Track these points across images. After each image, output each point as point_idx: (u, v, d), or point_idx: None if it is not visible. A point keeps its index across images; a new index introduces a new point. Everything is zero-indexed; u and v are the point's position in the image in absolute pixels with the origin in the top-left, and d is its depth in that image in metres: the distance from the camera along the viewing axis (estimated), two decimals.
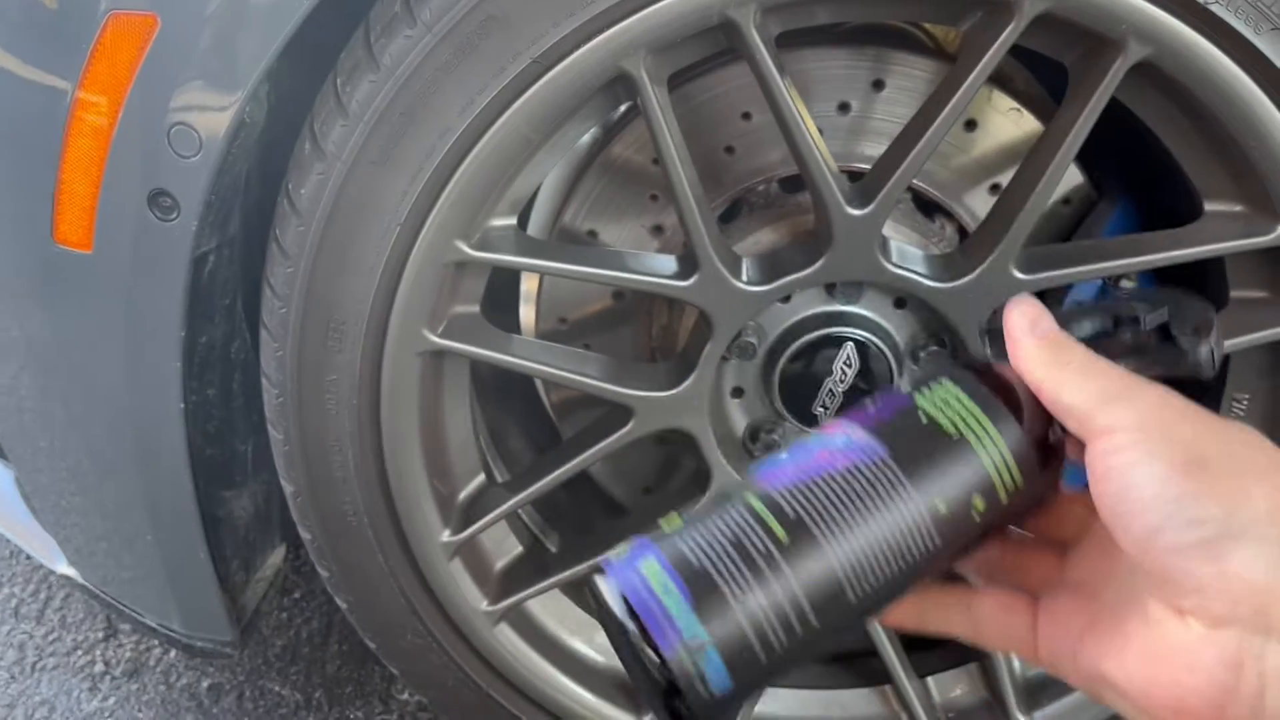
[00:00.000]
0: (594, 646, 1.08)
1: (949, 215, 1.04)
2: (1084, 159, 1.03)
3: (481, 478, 1.02)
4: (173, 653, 1.32)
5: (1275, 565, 0.38)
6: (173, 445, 0.96)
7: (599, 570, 0.45)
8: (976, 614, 0.51)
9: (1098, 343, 0.49)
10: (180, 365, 0.91)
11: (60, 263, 0.88)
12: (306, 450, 0.92)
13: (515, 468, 1.14)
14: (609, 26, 0.77)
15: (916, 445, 0.46)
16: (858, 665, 1.14)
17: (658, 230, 1.07)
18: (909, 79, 0.99)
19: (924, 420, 0.47)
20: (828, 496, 0.45)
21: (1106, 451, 0.42)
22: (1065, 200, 1.05)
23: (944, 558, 0.47)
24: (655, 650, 0.41)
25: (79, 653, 1.32)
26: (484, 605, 1.00)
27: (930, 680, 1.11)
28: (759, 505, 0.45)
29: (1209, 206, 0.88)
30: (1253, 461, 0.41)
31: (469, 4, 0.76)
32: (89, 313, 0.91)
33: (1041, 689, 1.07)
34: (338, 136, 0.80)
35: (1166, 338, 0.50)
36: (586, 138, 1.05)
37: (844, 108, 1.01)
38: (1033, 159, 0.88)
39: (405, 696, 1.28)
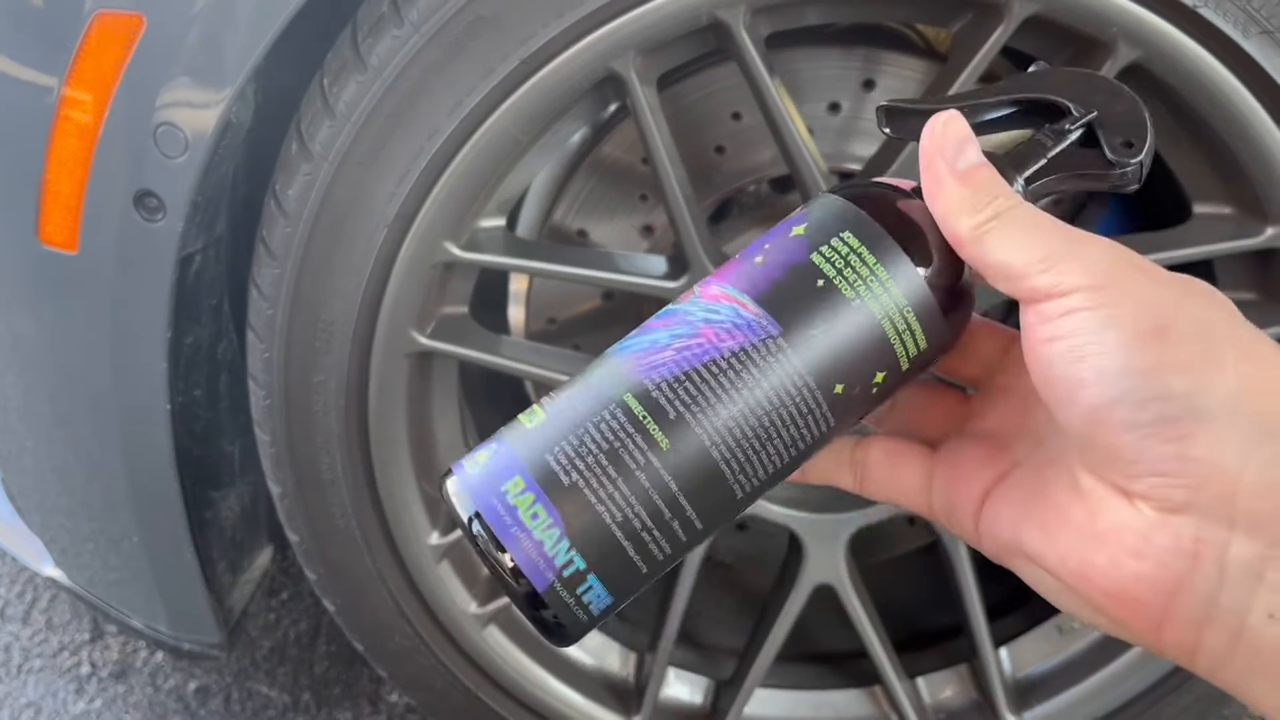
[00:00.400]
0: (583, 648, 1.08)
1: None
2: None
3: None
4: (159, 654, 1.31)
5: (1245, 448, 0.33)
6: (159, 445, 0.96)
7: (450, 474, 0.40)
8: (861, 463, 0.46)
9: (1016, 149, 0.42)
10: (167, 366, 0.90)
11: (46, 263, 0.88)
12: (294, 452, 0.92)
13: None
14: (598, 27, 0.76)
15: (813, 320, 0.40)
16: (848, 666, 1.14)
17: (648, 230, 1.07)
18: (900, 79, 0.99)
19: (820, 285, 0.40)
20: (714, 390, 0.39)
21: (1052, 315, 0.36)
22: (1056, 201, 1.05)
23: (835, 433, 0.42)
24: (523, 578, 0.38)
25: (65, 654, 1.31)
26: (473, 607, 1.00)
27: (920, 681, 1.11)
28: (637, 407, 0.38)
29: (1198, 209, 0.88)
30: (1220, 326, 0.35)
31: (457, 5, 0.76)
32: (75, 313, 0.91)
33: (1031, 690, 1.07)
34: (325, 137, 0.80)
35: (1091, 142, 0.42)
36: (576, 137, 1.05)
37: (834, 108, 1.01)
38: None
39: (394, 698, 1.28)
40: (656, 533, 0.39)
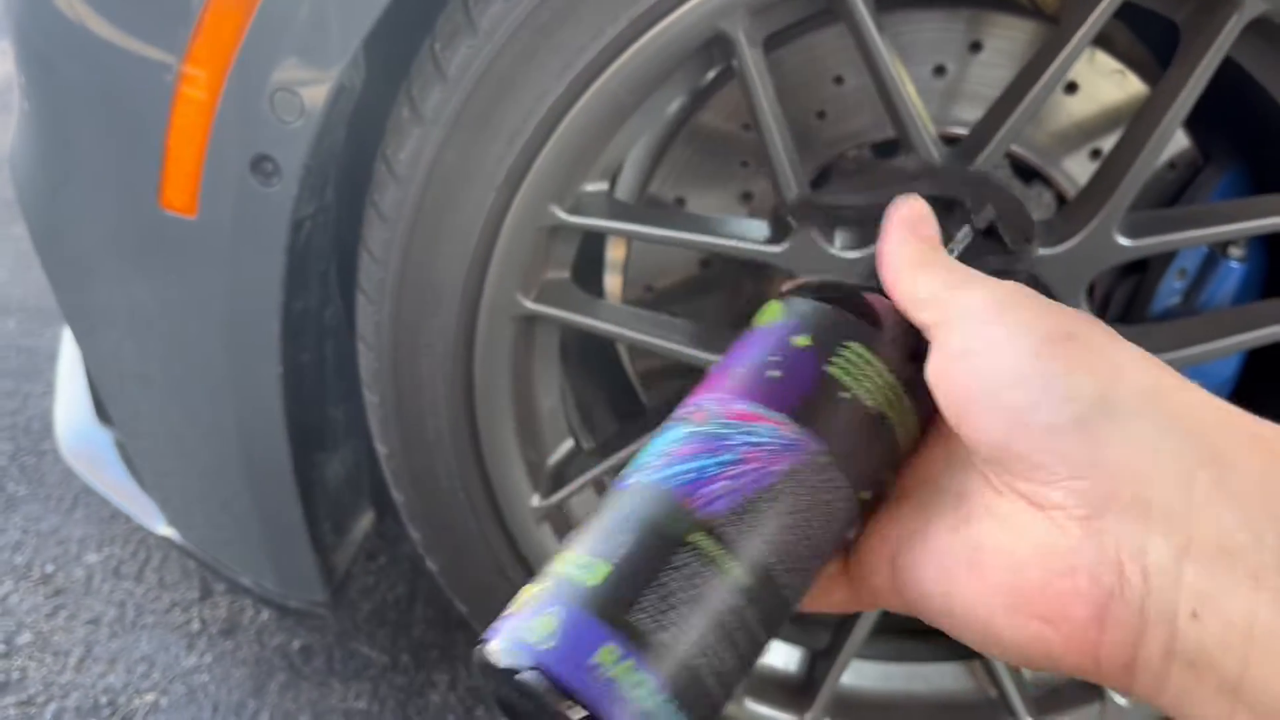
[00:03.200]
0: None
1: (1047, 181, 1.02)
2: (1191, 123, 1.00)
3: (570, 443, 1.03)
4: (265, 614, 1.36)
5: (1154, 445, 0.33)
6: (271, 409, 0.98)
7: (498, 647, 0.35)
8: None
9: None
10: (279, 329, 0.92)
11: (165, 228, 0.90)
12: (401, 413, 0.94)
13: (600, 436, 1.15)
14: None
15: (847, 432, 0.40)
16: (945, 639, 1.13)
17: (747, 197, 1.06)
18: (1007, 40, 0.97)
19: (846, 397, 0.41)
20: (774, 515, 0.38)
21: (965, 333, 0.37)
22: (1171, 165, 1.01)
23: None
24: None
25: (177, 611, 1.36)
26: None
27: None
28: (707, 544, 0.36)
29: None
30: (1113, 340, 0.37)
31: None
32: (191, 278, 0.94)
33: None
34: (436, 101, 0.81)
35: (992, 235, 0.47)
36: (674, 105, 1.05)
37: (940, 70, 0.99)
38: (1138, 122, 0.85)
39: None
40: (733, 663, 0.37)
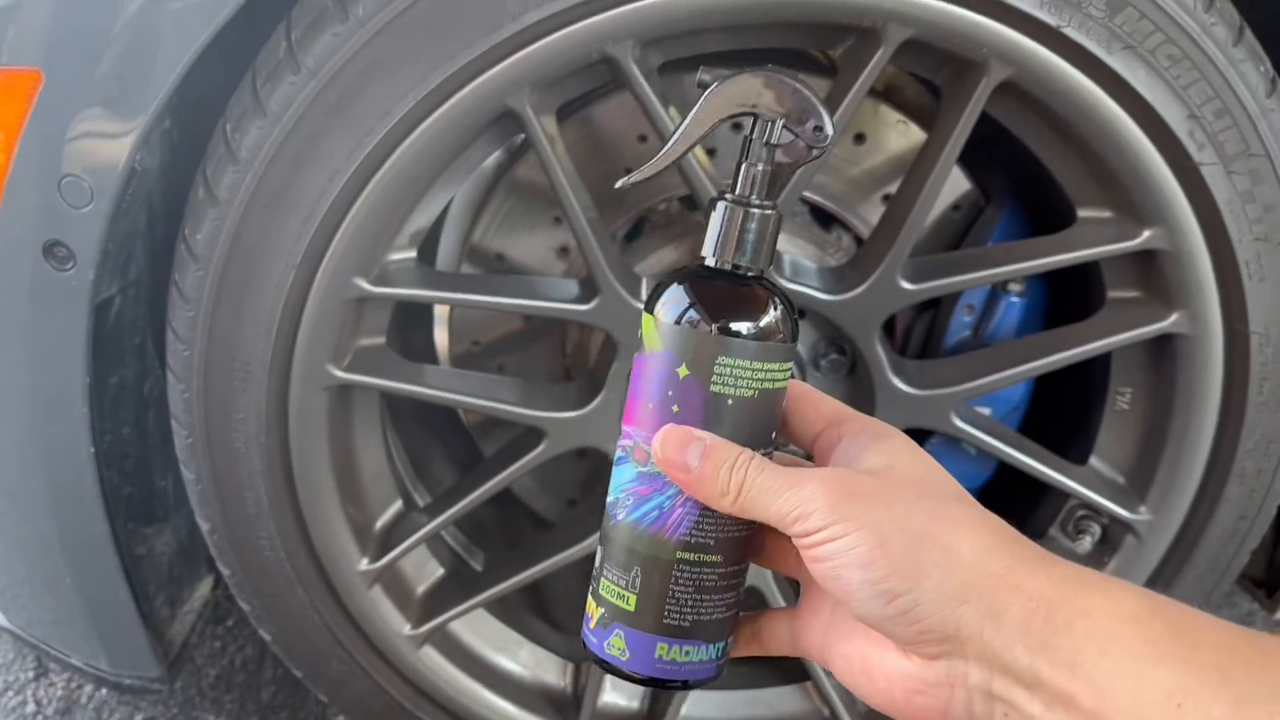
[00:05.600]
0: (518, 661, 1.10)
1: (845, 226, 1.08)
2: (972, 166, 1.08)
3: (399, 504, 1.03)
4: (104, 690, 1.32)
5: (957, 613, 0.45)
6: (86, 489, 0.96)
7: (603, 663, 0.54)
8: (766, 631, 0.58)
9: (740, 179, 0.52)
10: (88, 411, 0.91)
11: None
12: (219, 488, 0.93)
13: (439, 488, 1.16)
14: (490, 67, 0.79)
15: (741, 424, 0.52)
16: (780, 663, 1.18)
17: (564, 251, 1.09)
18: None
19: (731, 402, 0.52)
20: (713, 516, 0.52)
21: (809, 549, 0.48)
22: (955, 206, 1.09)
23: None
24: (700, 682, 0.55)
25: (10, 694, 1.31)
26: (407, 629, 1.02)
27: None
28: (690, 555, 0.52)
29: (1081, 213, 0.92)
30: (919, 517, 0.47)
31: (352, 50, 0.77)
32: None
33: None
34: (229, 182, 0.81)
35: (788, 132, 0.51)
36: (491, 160, 1.07)
37: (737, 126, 1.03)
38: (914, 171, 0.91)
39: None
40: (732, 598, 0.54)
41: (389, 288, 0.88)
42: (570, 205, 0.87)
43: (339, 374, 0.89)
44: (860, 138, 1.04)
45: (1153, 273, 0.91)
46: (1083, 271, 0.96)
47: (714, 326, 0.50)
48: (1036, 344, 0.99)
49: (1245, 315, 0.89)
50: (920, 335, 1.10)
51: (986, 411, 1.07)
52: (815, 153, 0.51)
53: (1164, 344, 0.94)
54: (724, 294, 0.51)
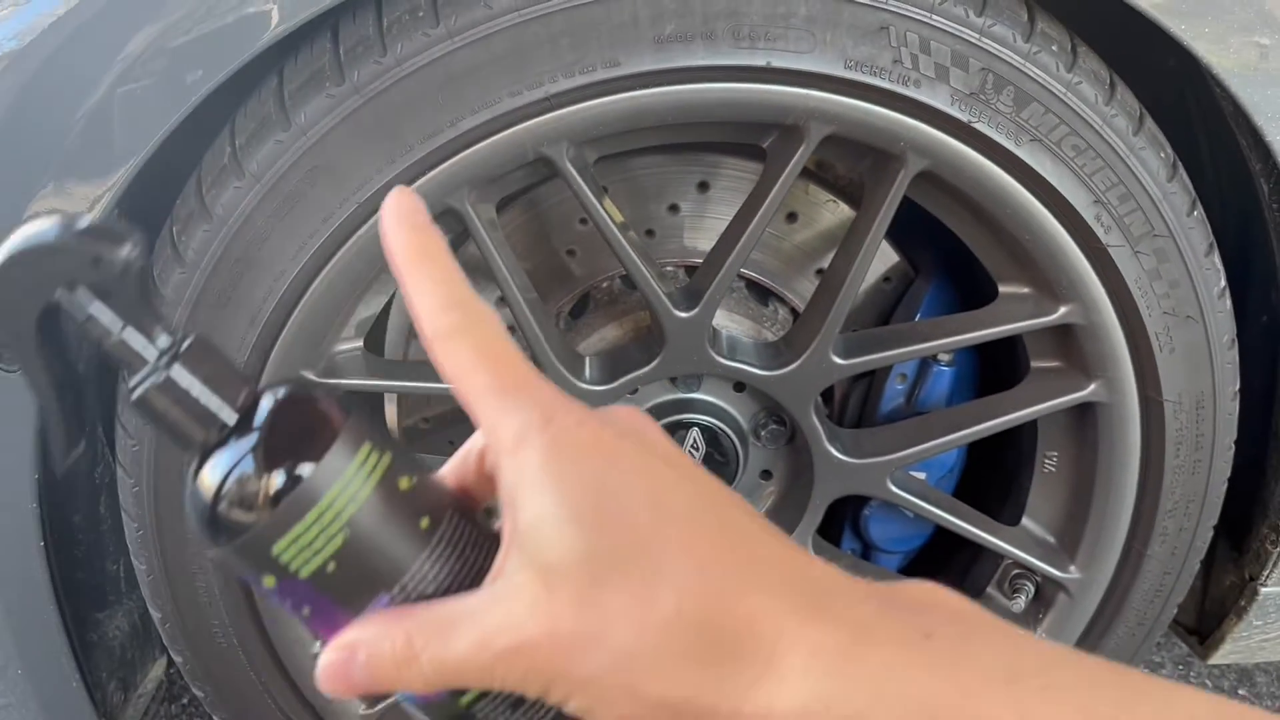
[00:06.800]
0: None
1: (781, 300, 1.11)
2: (900, 242, 1.12)
3: None
4: None
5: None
6: (35, 580, 0.97)
7: None
8: None
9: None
10: (37, 506, 0.92)
11: None
12: (171, 578, 0.94)
13: None
14: (431, 169, 0.82)
15: (350, 591, 0.40)
16: None
17: (511, 330, 1.12)
18: (734, 180, 1.06)
19: (331, 572, 0.40)
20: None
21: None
22: (886, 279, 1.13)
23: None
24: None
25: None
26: (362, 709, 1.03)
27: None
28: (473, 694, 0.40)
29: (1002, 289, 0.96)
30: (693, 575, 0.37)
31: (295, 156, 0.80)
32: None
33: None
34: (176, 283, 0.83)
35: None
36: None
37: (674, 208, 1.07)
38: (843, 249, 0.95)
39: None
40: None
41: (336, 379, 0.90)
42: (509, 289, 0.90)
43: None
44: (792, 216, 1.08)
45: (1071, 345, 0.95)
46: (1007, 341, 1.01)
47: (230, 528, 0.38)
48: (966, 412, 1.04)
49: (1159, 384, 0.93)
50: (857, 402, 1.14)
51: (922, 476, 1.11)
52: (130, 269, 0.38)
53: (1085, 410, 0.98)
54: (213, 479, 0.39)
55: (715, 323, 1.01)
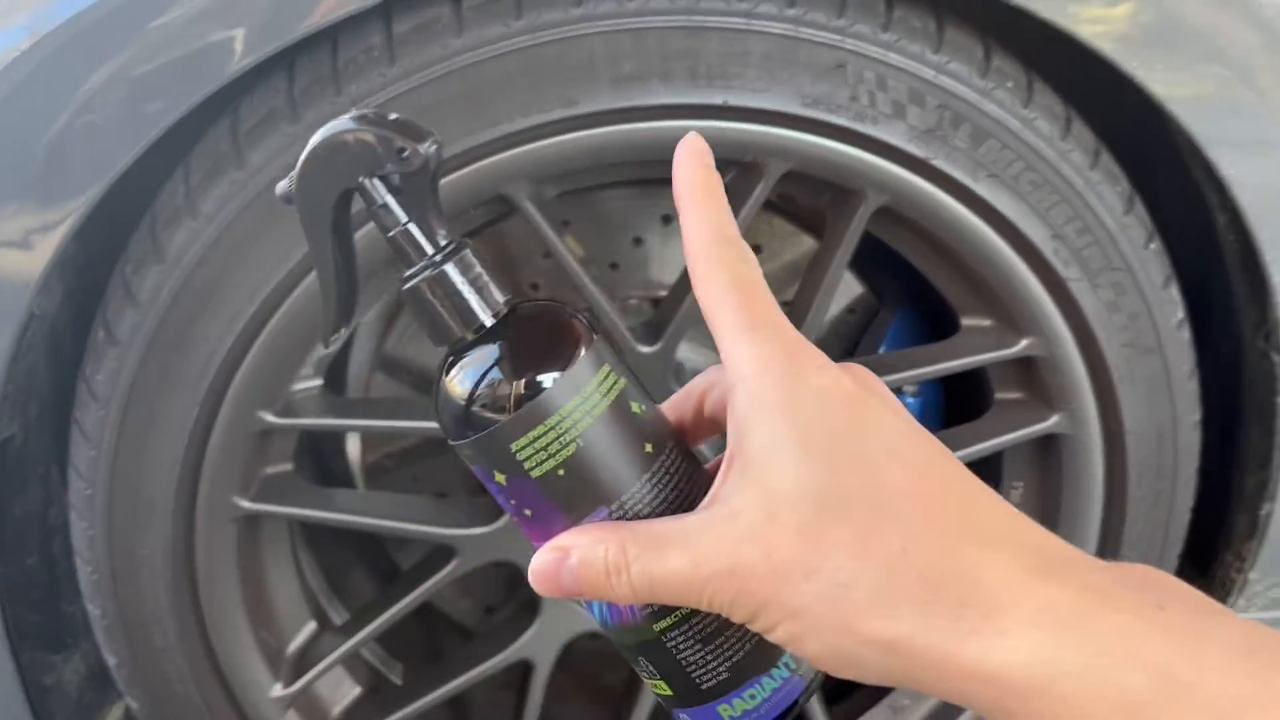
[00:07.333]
0: None
1: None
2: (864, 274, 1.12)
3: (312, 625, 1.03)
4: None
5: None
6: None
7: None
8: None
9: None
10: None
11: None
12: (126, 623, 0.93)
13: (356, 603, 1.16)
14: None
15: (587, 484, 0.43)
16: None
17: None
18: None
19: (561, 473, 0.43)
20: None
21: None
22: (850, 310, 1.13)
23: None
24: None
25: None
26: (278, 689, 1.00)
27: None
28: (666, 625, 0.44)
29: (964, 321, 0.96)
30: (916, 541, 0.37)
31: (250, 195, 0.79)
32: None
33: None
34: (129, 324, 0.82)
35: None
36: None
37: (639, 241, 1.07)
38: (806, 282, 0.95)
39: None
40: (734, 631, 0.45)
41: (294, 418, 0.89)
42: None
43: (246, 505, 0.90)
44: (756, 249, 1.08)
45: (1033, 377, 0.96)
46: (971, 373, 1.01)
47: (476, 423, 0.41)
48: None
49: (1120, 416, 0.94)
50: None
51: None
52: (428, 166, 0.41)
53: (1049, 442, 0.99)
54: (466, 376, 0.41)
55: (679, 356, 1.00)
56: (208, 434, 0.86)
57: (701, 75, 0.79)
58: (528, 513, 0.42)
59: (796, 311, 0.95)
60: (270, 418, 0.87)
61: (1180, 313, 0.92)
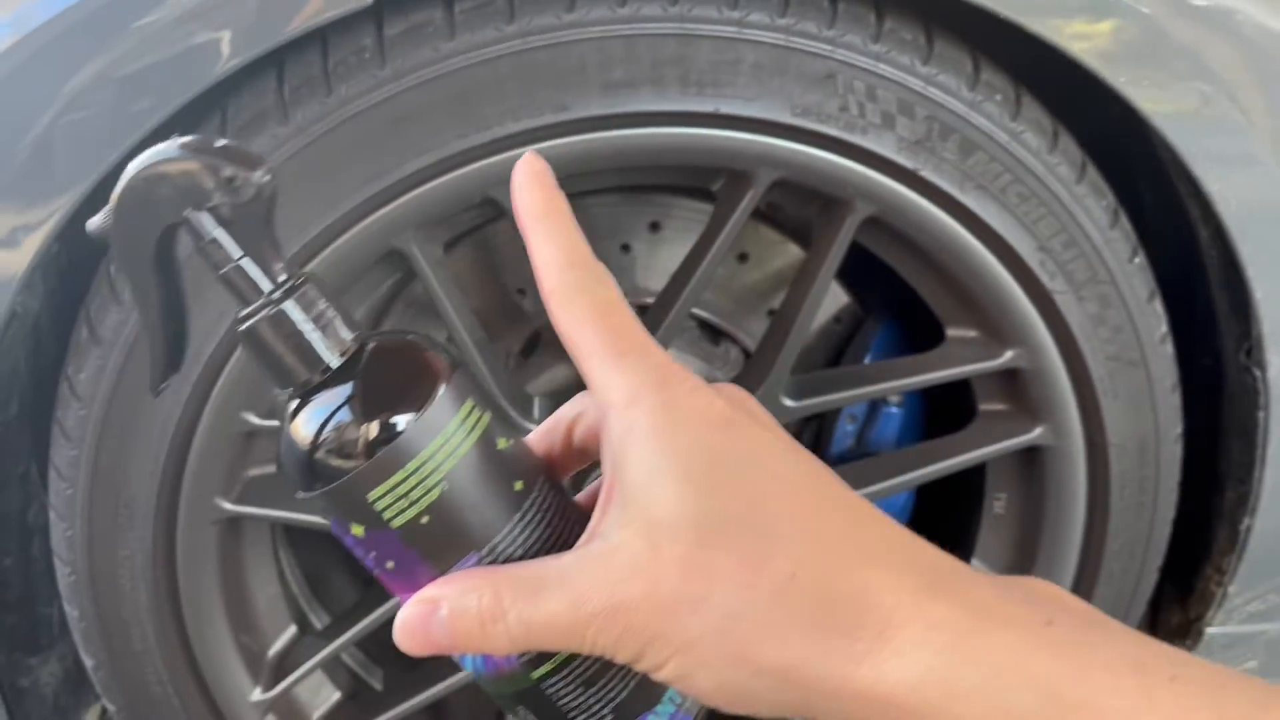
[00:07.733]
0: None
1: (733, 340, 1.11)
2: (850, 284, 1.13)
3: (293, 629, 1.03)
4: None
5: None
6: None
7: None
8: None
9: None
10: None
11: None
12: (104, 625, 0.92)
13: (339, 606, 1.15)
14: (377, 209, 0.81)
15: (449, 532, 0.39)
16: None
17: None
18: (684, 221, 1.06)
19: (424, 522, 0.39)
20: None
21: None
22: (836, 319, 1.13)
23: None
24: None
25: None
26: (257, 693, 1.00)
27: None
28: (550, 666, 0.40)
29: (950, 332, 0.97)
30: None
31: None
32: None
33: None
34: (113, 323, 0.82)
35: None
36: (389, 281, 1.09)
37: (626, 248, 1.07)
38: (793, 291, 0.95)
39: None
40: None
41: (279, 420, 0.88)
42: (456, 329, 0.90)
43: (228, 507, 0.89)
44: (744, 257, 1.08)
45: (1018, 389, 0.96)
46: (955, 384, 1.01)
47: (327, 473, 0.37)
48: (915, 455, 1.04)
49: (1103, 428, 0.94)
50: (808, 443, 1.14)
51: None
52: (262, 195, 0.38)
53: (1033, 453, 0.99)
54: (313, 421, 0.38)
55: None
56: (191, 435, 0.85)
57: (692, 83, 0.80)
58: (390, 565, 0.39)
59: (782, 322, 0.95)
60: (254, 419, 0.87)
61: (1164, 326, 0.93)
